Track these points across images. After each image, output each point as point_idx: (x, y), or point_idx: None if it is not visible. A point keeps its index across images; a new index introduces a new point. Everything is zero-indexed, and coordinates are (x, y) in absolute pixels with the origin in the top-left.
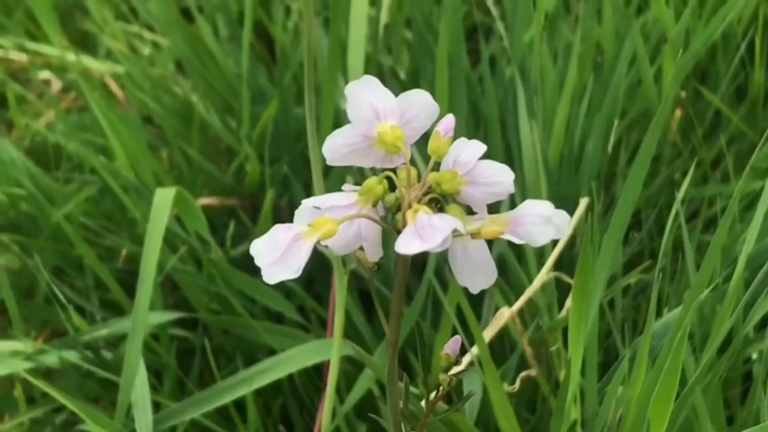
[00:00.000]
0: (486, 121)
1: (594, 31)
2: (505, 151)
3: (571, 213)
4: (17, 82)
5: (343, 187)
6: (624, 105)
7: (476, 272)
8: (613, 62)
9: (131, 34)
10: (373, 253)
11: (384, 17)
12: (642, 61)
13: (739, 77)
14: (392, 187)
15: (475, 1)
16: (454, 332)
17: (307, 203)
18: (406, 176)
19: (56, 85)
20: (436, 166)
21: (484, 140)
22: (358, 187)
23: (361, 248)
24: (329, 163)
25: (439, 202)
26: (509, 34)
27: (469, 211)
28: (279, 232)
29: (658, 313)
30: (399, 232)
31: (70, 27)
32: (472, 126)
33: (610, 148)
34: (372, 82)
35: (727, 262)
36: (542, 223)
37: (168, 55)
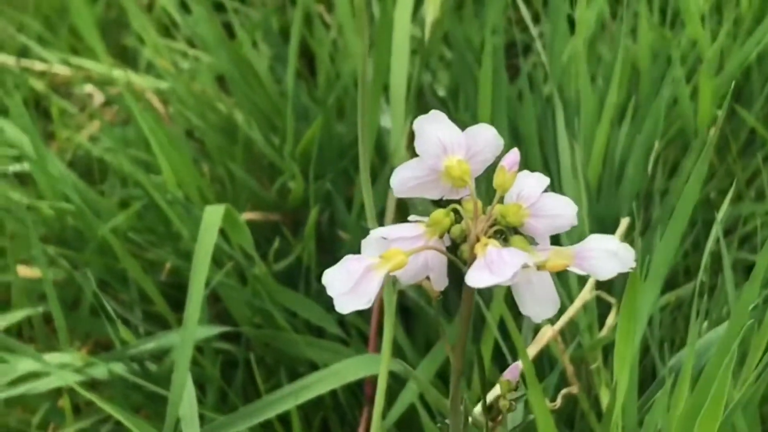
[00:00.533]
0: (525, 138)
1: (630, 51)
2: (543, 168)
3: (610, 232)
4: (59, 95)
5: (409, 218)
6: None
7: (539, 302)
8: (653, 84)
9: (173, 49)
10: (439, 283)
11: (427, 34)
12: (678, 82)
13: None
14: (458, 218)
15: (513, 18)
16: (496, 347)
17: (374, 233)
18: (473, 209)
19: (98, 99)
20: (501, 200)
21: (523, 157)
22: (423, 218)
23: (427, 278)
24: (396, 195)
25: (503, 234)
26: (548, 52)
27: (532, 242)
28: (351, 262)
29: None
30: (465, 263)
31: (111, 42)
32: (510, 143)
33: (650, 170)
34: (440, 117)
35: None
36: (607, 257)
37: (209, 71)
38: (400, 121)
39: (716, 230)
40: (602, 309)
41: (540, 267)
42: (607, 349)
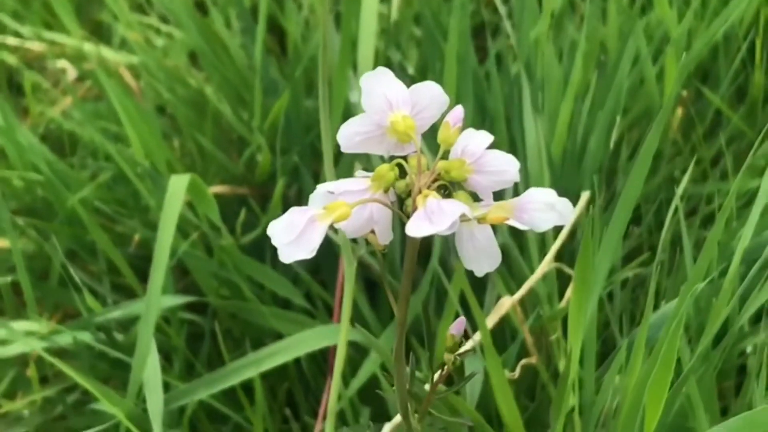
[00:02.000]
0: (492, 116)
1: (599, 31)
2: (509, 145)
3: (572, 206)
4: (33, 70)
5: (355, 173)
6: (626, 103)
7: (482, 256)
8: (616, 61)
9: (145, 25)
10: (384, 236)
11: (394, 14)
12: (645, 61)
13: (739, 78)
14: (402, 174)
15: (484, 1)
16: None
17: (321, 188)
18: (417, 163)
19: (71, 74)
20: (445, 155)
21: (490, 133)
22: (370, 174)
23: (372, 232)
24: (343, 150)
25: (447, 189)
26: (516, 32)
27: (476, 199)
28: (295, 214)
29: (656, 306)
30: (409, 216)
31: (85, 17)
32: (478, 121)
33: (612, 145)
34: (385, 74)
35: (724, 257)
36: (546, 209)
37: (182, 46)
38: None
39: (675, 205)
40: (562, 282)
41: (481, 220)
42: (567, 322)
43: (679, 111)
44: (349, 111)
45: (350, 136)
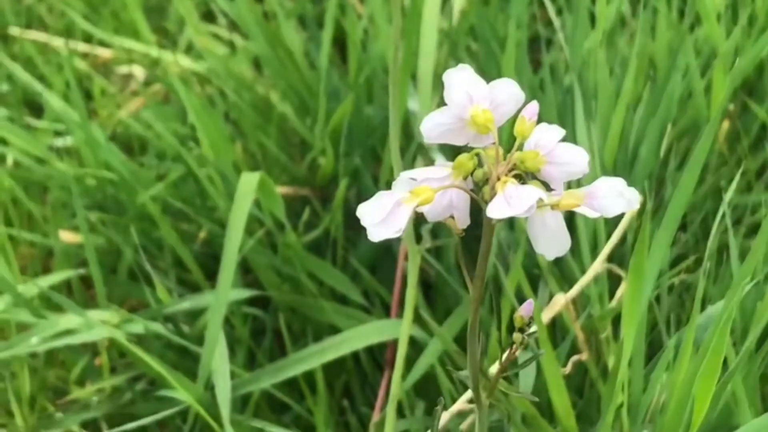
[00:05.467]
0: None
1: (648, 46)
2: None
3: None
4: (100, 75)
5: (436, 162)
6: (675, 115)
7: (552, 241)
8: (667, 73)
9: (211, 33)
10: (463, 221)
11: (454, 25)
12: (693, 75)
13: None
14: (480, 163)
15: (537, 14)
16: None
17: (405, 175)
18: (495, 154)
19: (139, 79)
20: (520, 147)
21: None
22: (450, 163)
23: (452, 217)
24: (426, 140)
25: (522, 179)
26: (569, 44)
27: (548, 189)
28: (383, 197)
29: (702, 308)
30: (486, 202)
31: (152, 26)
32: None
33: (662, 153)
34: (467, 70)
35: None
36: (615, 196)
37: (246, 54)
38: (426, 105)
39: (722, 211)
40: (613, 283)
41: (554, 206)
42: (617, 322)
43: (726, 123)
44: (408, 119)
45: (433, 127)
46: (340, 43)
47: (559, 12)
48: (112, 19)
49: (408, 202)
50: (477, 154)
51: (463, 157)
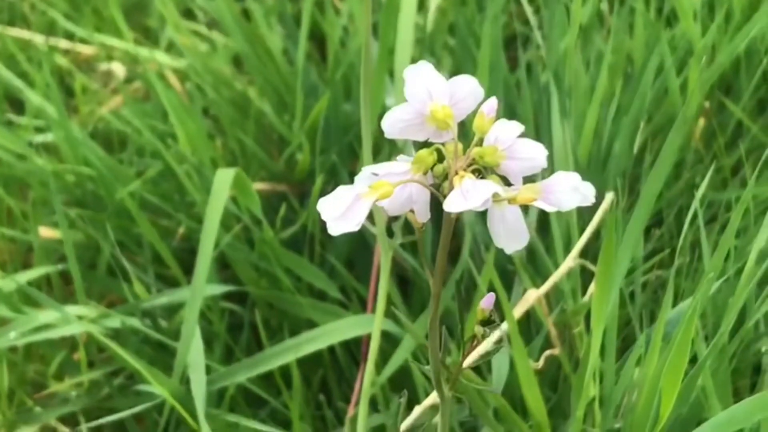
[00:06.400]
0: (522, 122)
1: (625, 44)
2: None
3: (597, 207)
4: (82, 72)
5: (397, 158)
6: (651, 112)
7: (511, 235)
8: (641, 71)
9: (192, 30)
10: (422, 215)
11: (430, 24)
12: (669, 72)
13: (760, 90)
14: (440, 159)
15: (515, 12)
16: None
17: (367, 170)
18: (454, 149)
19: (120, 76)
20: (480, 142)
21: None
22: (411, 158)
23: (412, 211)
24: (387, 135)
25: (481, 173)
26: (546, 42)
27: (507, 183)
28: (342, 192)
29: (674, 304)
30: (446, 197)
31: (133, 23)
32: None
33: (635, 149)
34: (427, 67)
35: (741, 258)
36: (570, 191)
37: (226, 51)
38: (403, 101)
39: (694, 208)
40: (585, 279)
41: (511, 200)
42: (590, 317)
43: (702, 121)
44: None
45: (393, 122)
46: (319, 39)
47: (537, 11)
48: (93, 16)
49: (367, 196)
50: (438, 150)
51: (423, 152)
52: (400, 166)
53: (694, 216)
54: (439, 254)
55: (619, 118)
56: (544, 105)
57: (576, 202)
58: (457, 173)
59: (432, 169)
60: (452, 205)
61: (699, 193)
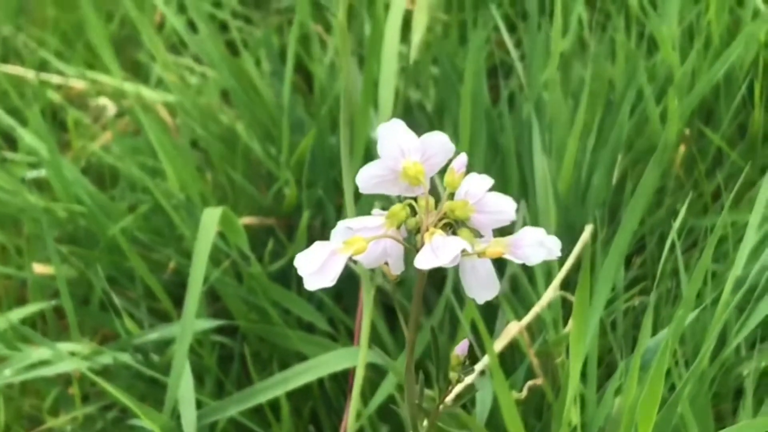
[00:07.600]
0: (504, 154)
1: (606, 71)
2: (520, 181)
3: (578, 239)
4: (75, 107)
5: (372, 212)
6: (631, 141)
7: (482, 286)
8: (620, 101)
9: (181, 65)
10: (396, 268)
11: (413, 55)
12: (648, 101)
13: (740, 116)
14: (413, 212)
15: (495, 42)
16: (470, 344)
17: (342, 224)
18: (425, 204)
19: (111, 111)
20: (451, 196)
21: (502, 171)
22: (385, 212)
23: (387, 263)
24: (361, 191)
25: (452, 226)
26: (527, 73)
27: (478, 235)
28: (318, 247)
29: (654, 331)
30: (418, 250)
31: (124, 57)
32: (491, 158)
33: (614, 181)
34: (399, 125)
35: (720, 286)
36: (536, 245)
37: (214, 86)
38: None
39: (672, 235)
40: (567, 310)
41: (480, 254)
42: None
43: (682, 148)
44: (370, 147)
45: (367, 178)
46: (306, 71)
47: (518, 43)
48: (85, 52)
49: (342, 251)
50: (410, 205)
51: (396, 208)
52: (375, 220)
53: (674, 243)
54: (413, 306)
55: (597, 150)
56: (526, 137)
57: (541, 257)
58: (428, 229)
59: (405, 222)
60: (423, 262)
61: (677, 222)
